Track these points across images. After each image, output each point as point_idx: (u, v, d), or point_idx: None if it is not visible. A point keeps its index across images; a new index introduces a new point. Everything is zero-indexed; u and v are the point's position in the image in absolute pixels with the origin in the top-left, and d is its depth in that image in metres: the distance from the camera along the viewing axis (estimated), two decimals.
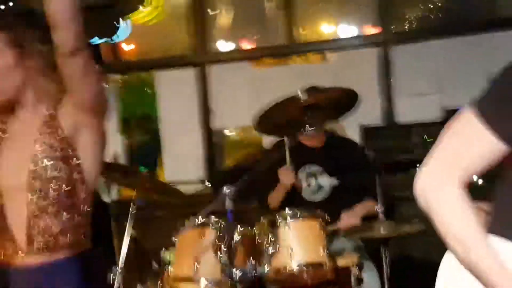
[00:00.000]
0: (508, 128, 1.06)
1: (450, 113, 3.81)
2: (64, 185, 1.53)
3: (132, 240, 2.45)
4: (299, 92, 2.33)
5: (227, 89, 4.17)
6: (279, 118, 2.43)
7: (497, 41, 3.71)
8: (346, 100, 2.39)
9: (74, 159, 1.55)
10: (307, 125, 2.32)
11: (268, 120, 2.47)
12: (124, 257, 2.35)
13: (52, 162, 1.52)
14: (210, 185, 3.82)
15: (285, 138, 2.70)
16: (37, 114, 1.58)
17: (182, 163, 4.18)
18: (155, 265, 2.48)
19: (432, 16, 4.01)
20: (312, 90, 2.35)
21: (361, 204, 2.85)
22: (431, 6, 4.03)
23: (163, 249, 2.60)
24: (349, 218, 2.76)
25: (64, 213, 1.53)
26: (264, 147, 4.12)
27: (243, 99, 4.14)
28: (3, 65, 1.54)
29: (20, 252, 1.54)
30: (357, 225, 2.71)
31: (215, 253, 2.26)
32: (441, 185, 1.12)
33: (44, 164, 1.51)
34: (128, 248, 2.39)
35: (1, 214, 1.55)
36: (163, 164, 4.29)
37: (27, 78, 1.57)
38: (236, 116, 4.20)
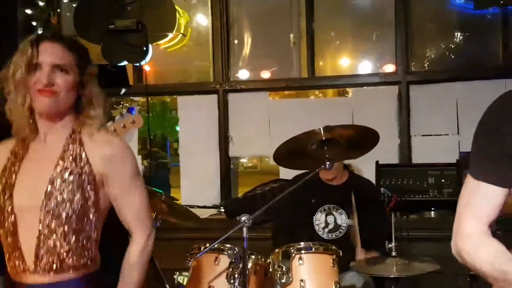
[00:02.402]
0: (492, 174, 1.25)
1: (467, 156, 3.84)
2: (76, 209, 1.57)
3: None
4: (320, 128, 2.38)
5: (245, 118, 4.25)
6: (298, 151, 2.47)
7: None
8: (366, 138, 2.44)
9: (92, 185, 1.61)
10: (326, 160, 2.35)
11: (287, 153, 2.51)
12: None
13: (68, 185, 1.58)
14: (224, 211, 3.86)
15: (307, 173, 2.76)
16: (61, 137, 1.64)
17: (198, 187, 4.24)
18: (167, 287, 2.51)
19: (452, 58, 4.07)
20: (332, 126, 2.39)
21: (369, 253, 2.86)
22: (451, 48, 4.10)
23: (177, 272, 2.63)
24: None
25: (73, 235, 1.58)
26: (279, 177, 4.17)
27: (259, 129, 4.21)
28: (72, 80, 1.61)
29: (28, 270, 1.57)
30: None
31: (228, 279, 2.29)
32: (476, 246, 1.30)
33: (60, 187, 1.57)
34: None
35: (13, 232, 1.58)
36: (180, 187, 4.35)
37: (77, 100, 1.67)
38: (252, 145, 4.27)
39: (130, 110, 2.85)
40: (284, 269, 2.29)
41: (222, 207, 3.94)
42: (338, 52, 4.39)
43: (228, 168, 4.30)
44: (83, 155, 1.61)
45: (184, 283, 2.54)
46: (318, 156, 2.37)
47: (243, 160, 4.85)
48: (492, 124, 1.28)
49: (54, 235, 1.56)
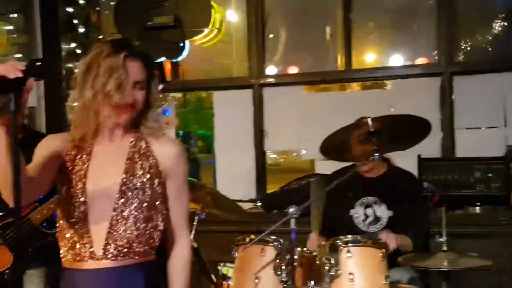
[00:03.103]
0: None
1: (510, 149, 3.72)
2: (147, 197, 1.65)
3: (194, 250, 2.47)
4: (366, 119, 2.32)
5: (280, 112, 4.21)
6: (344, 143, 2.42)
7: None
8: (415, 129, 2.37)
9: (159, 178, 1.68)
10: (373, 152, 2.30)
11: (333, 145, 2.46)
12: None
13: (140, 177, 1.65)
14: (261, 205, 3.83)
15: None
16: (127, 136, 1.71)
17: (234, 182, 4.22)
18: (214, 278, 2.50)
19: (497, 47, 3.94)
20: (378, 117, 2.33)
21: (403, 236, 2.78)
22: (497, 37, 3.97)
23: (221, 263, 2.63)
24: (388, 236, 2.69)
25: (143, 223, 1.64)
26: (313, 172, 4.13)
27: (294, 123, 4.16)
28: (143, 79, 1.66)
29: (93, 256, 1.62)
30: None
31: (275, 271, 2.27)
32: None
33: (132, 176, 1.65)
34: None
35: (84, 218, 1.63)
36: (212, 184, 4.35)
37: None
38: (287, 140, 4.23)
39: (164, 111, 2.87)
40: (332, 262, 2.25)
41: (259, 201, 3.91)
42: (376, 43, 4.31)
43: (263, 162, 4.27)
44: (151, 151, 1.70)
45: (229, 274, 2.53)
46: (365, 147, 2.31)
47: (272, 156, 4.81)
48: None
49: (125, 222, 1.62)
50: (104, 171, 1.66)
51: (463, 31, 3.97)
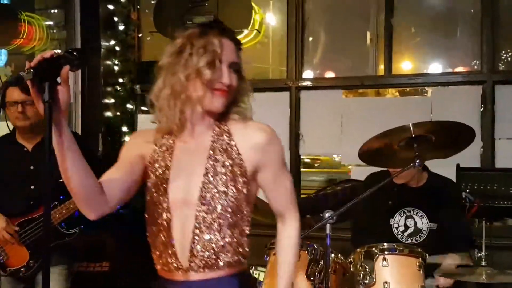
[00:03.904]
0: None
1: None
2: (231, 202, 1.50)
3: None
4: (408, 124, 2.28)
5: (317, 116, 4.18)
6: (385, 148, 2.38)
7: None
8: (458, 136, 2.31)
9: (243, 177, 1.53)
10: (415, 159, 2.25)
11: (374, 150, 2.42)
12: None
13: (222, 178, 1.51)
14: None
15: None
16: (209, 129, 1.56)
17: None
18: None
19: None
20: (422, 122, 2.28)
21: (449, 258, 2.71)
22: None
23: (252, 267, 2.61)
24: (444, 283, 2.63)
25: (228, 230, 1.50)
26: (350, 178, 4.08)
27: (331, 127, 4.13)
28: (238, 61, 1.54)
29: (181, 267, 1.50)
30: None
31: (308, 276, 2.25)
32: None
33: (214, 179, 1.51)
34: None
35: (167, 228, 1.51)
36: None
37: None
38: (323, 144, 4.19)
39: None
40: (367, 270, 2.22)
41: None
42: (417, 49, 4.24)
43: (298, 166, 4.25)
44: (234, 146, 1.54)
45: (261, 278, 2.52)
46: (407, 154, 2.27)
47: (306, 160, 4.77)
48: None
49: (209, 230, 1.49)
50: (184, 173, 1.53)
51: (507, 38, 3.86)
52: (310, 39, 4.34)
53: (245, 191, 1.53)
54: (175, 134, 1.56)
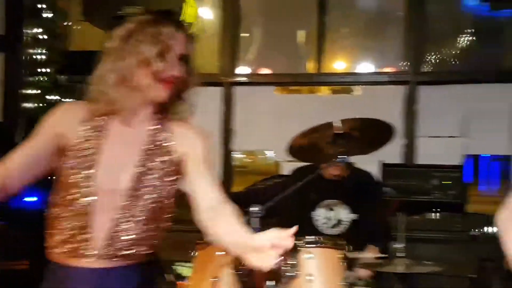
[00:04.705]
0: None
1: (470, 159, 3.85)
2: (157, 196, 1.49)
3: None
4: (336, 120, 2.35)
5: (249, 112, 4.22)
6: (312, 144, 2.44)
7: None
8: (380, 133, 2.41)
9: (175, 174, 1.52)
10: (338, 154, 2.33)
11: (301, 145, 2.48)
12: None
13: (155, 171, 1.49)
14: None
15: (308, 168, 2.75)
16: (147, 120, 1.54)
17: None
18: (171, 278, 2.47)
19: (462, 59, 4.06)
20: (347, 119, 2.37)
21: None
22: (463, 49, 4.09)
23: (176, 263, 2.60)
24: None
25: (150, 223, 1.49)
26: (279, 173, 4.14)
27: (264, 123, 4.18)
28: (188, 54, 1.52)
29: (92, 254, 1.46)
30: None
31: (234, 271, 2.26)
32: (505, 219, 1.46)
33: (145, 172, 1.49)
34: None
35: (86, 213, 1.46)
36: None
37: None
38: (256, 139, 4.24)
39: None
40: (291, 263, 2.26)
41: None
42: (348, 49, 4.37)
43: (229, 162, 4.26)
44: (170, 142, 1.53)
45: (185, 274, 2.50)
46: (332, 149, 2.34)
47: (238, 156, 4.81)
48: None
49: (131, 220, 1.47)
50: (117, 160, 1.49)
51: (431, 42, 4.07)
52: (245, 35, 4.35)
53: (174, 187, 1.52)
54: (112, 118, 1.52)
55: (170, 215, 1.56)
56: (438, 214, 3.64)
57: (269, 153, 4.44)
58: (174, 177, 1.52)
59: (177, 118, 1.56)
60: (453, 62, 4.09)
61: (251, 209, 2.17)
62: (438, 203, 3.61)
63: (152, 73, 1.46)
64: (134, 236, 1.48)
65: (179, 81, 1.50)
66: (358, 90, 4.40)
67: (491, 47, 4.03)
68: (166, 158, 1.52)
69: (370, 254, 2.70)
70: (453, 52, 4.10)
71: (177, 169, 1.53)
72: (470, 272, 3.33)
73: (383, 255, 2.51)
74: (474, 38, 4.05)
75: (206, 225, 1.50)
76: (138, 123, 1.53)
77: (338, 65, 4.50)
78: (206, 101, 4.24)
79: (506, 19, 3.92)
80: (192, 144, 1.55)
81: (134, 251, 1.49)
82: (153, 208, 1.49)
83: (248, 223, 2.16)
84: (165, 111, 1.55)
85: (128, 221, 1.47)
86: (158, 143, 1.52)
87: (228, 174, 4.24)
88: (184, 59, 1.50)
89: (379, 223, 2.88)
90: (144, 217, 1.48)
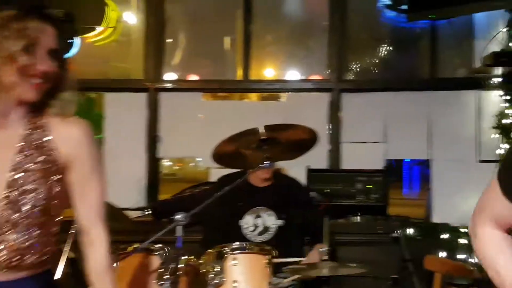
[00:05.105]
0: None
1: (392, 163, 4.01)
2: (40, 200, 1.41)
3: (71, 261, 2.32)
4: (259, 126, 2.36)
5: (176, 119, 4.16)
6: (237, 150, 2.43)
7: (437, 99, 3.98)
8: (305, 138, 2.44)
9: (56, 175, 1.44)
10: (264, 159, 2.33)
11: (226, 151, 2.46)
12: (60, 278, 2.22)
13: (32, 174, 1.40)
14: (151, 213, 3.72)
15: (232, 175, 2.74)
16: (23, 121, 1.45)
17: (123, 189, 4.06)
18: None
19: (382, 68, 4.23)
20: (271, 125, 2.38)
21: (315, 251, 2.83)
22: (382, 59, 4.26)
23: None
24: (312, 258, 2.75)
25: (36, 230, 1.41)
26: (208, 181, 4.10)
27: (191, 130, 4.13)
28: (57, 48, 1.43)
29: None
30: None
31: (158, 280, 2.20)
32: (476, 226, 1.36)
33: (23, 176, 1.40)
34: (65, 269, 2.26)
35: None
36: None
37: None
38: (183, 146, 4.18)
39: None
40: (217, 270, 2.23)
41: (149, 209, 3.79)
42: (275, 56, 4.42)
43: (156, 169, 4.17)
44: (48, 141, 1.44)
45: None
46: (258, 155, 2.34)
47: (167, 164, 4.73)
48: None
49: (15, 229, 1.38)
50: None
51: (353, 52, 4.20)
52: (170, 40, 4.29)
53: (57, 189, 1.44)
54: None
55: (59, 218, 1.48)
56: (362, 217, 3.74)
57: (199, 160, 4.38)
58: (57, 177, 1.44)
59: (56, 115, 1.47)
60: (374, 71, 4.25)
61: (175, 217, 2.12)
62: (362, 206, 3.72)
63: (18, 69, 1.37)
64: (20, 245, 1.39)
65: (50, 77, 1.41)
66: (285, 97, 4.46)
67: (409, 56, 4.23)
68: (45, 158, 1.43)
69: (317, 253, 2.70)
70: (374, 61, 4.26)
71: (59, 169, 1.45)
72: (392, 273, 3.44)
73: (328, 253, 2.52)
74: (392, 48, 4.23)
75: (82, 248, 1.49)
76: (11, 125, 1.44)
77: (265, 72, 4.54)
78: (132, 107, 4.17)
79: (422, 30, 4.12)
80: (76, 146, 1.47)
81: (24, 261, 1.41)
82: (37, 212, 1.41)
83: (172, 231, 2.12)
84: (41, 109, 1.47)
85: (12, 230, 1.39)
86: (35, 143, 1.43)
87: (155, 182, 4.15)
88: (55, 53, 1.42)
89: (320, 224, 2.89)
90: (28, 224, 1.40)
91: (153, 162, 4.14)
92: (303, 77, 4.31)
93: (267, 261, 2.30)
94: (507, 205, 1.28)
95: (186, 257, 2.31)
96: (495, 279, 1.27)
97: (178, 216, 2.08)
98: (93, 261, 1.50)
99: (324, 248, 2.55)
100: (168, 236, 2.17)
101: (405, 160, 4.68)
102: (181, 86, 4.21)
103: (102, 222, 1.52)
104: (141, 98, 4.14)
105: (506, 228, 1.33)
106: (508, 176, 1.29)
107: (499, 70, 3.75)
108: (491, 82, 3.80)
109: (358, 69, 4.24)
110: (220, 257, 2.26)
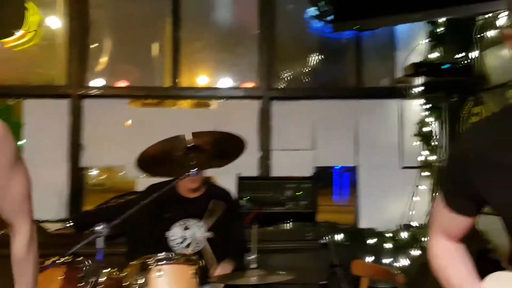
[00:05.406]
0: (459, 205, 1.31)
1: (320, 170, 4.08)
2: None
3: None
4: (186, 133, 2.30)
5: (101, 126, 4.01)
6: (163, 157, 2.36)
7: (363, 108, 4.10)
8: (232, 146, 2.41)
9: None
10: (190, 167, 2.28)
11: (152, 159, 2.38)
12: None
13: None
14: (73, 225, 3.55)
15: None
16: None
17: (43, 200, 3.84)
18: None
19: (311, 77, 4.30)
20: (199, 132, 2.33)
21: (225, 264, 2.80)
22: (310, 67, 4.32)
23: None
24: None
25: None
26: (135, 190, 3.98)
27: (117, 138, 4.00)
28: None
29: None
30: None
31: None
32: (431, 239, 1.42)
33: None
34: None
35: None
36: None
37: None
38: (108, 155, 4.03)
39: None
40: (141, 282, 2.15)
41: (70, 221, 3.61)
42: (202, 63, 4.37)
43: (79, 179, 3.99)
44: None
45: None
46: (184, 163, 2.28)
47: (93, 173, 4.55)
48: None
49: None
50: None
51: (283, 60, 4.24)
52: (94, 45, 4.14)
53: None
54: None
55: None
56: (291, 224, 3.76)
57: (127, 170, 4.23)
58: None
59: None
60: (303, 79, 4.31)
61: (95, 228, 2.01)
62: (291, 213, 3.74)
63: None
64: None
65: None
66: (215, 104, 4.42)
67: (336, 66, 4.34)
68: None
69: (223, 270, 2.67)
70: (303, 70, 4.32)
71: None
72: (321, 279, 3.48)
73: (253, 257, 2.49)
74: (320, 57, 4.31)
75: None
76: None
77: (197, 79, 4.48)
78: (52, 114, 3.97)
79: (348, 40, 4.23)
80: None
81: None
82: None
83: (92, 243, 2.02)
84: None
85: None
86: None
87: (78, 192, 3.96)
88: None
89: (235, 239, 2.88)
90: None
91: (76, 171, 3.96)
92: (235, 85, 4.30)
93: (194, 271, 2.24)
94: (454, 217, 1.32)
95: (108, 270, 2.22)
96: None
97: (98, 228, 1.98)
98: (14, 250, 1.52)
99: (252, 256, 2.52)
100: (91, 249, 2.07)
101: (335, 167, 4.76)
102: (106, 93, 4.07)
103: (24, 214, 1.53)
104: (63, 105, 3.97)
105: (458, 238, 1.37)
106: (447, 188, 1.34)
107: (419, 80, 3.91)
108: (412, 91, 3.97)
109: (287, 78, 4.29)
110: (144, 269, 2.18)
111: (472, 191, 1.24)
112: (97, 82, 4.17)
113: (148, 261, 2.20)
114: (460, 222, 1.33)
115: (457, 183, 1.28)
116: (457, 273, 1.32)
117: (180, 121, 4.03)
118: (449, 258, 1.36)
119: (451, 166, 1.33)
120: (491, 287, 1.25)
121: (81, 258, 2.21)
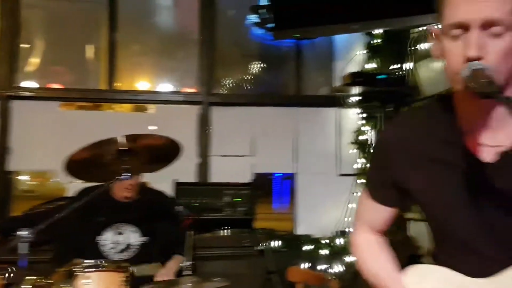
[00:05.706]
0: (381, 195, 1.36)
1: (260, 178, 4.09)
2: None
3: None
4: (118, 136, 2.23)
5: (30, 129, 3.84)
6: (94, 161, 2.27)
7: (302, 115, 4.15)
8: (167, 150, 2.36)
9: None
10: (123, 171, 2.20)
11: (81, 162, 2.28)
12: None
13: None
14: None
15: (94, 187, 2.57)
16: None
17: None
18: None
19: (251, 83, 4.30)
20: (132, 135, 2.26)
21: (173, 260, 2.77)
22: (251, 74, 4.33)
23: None
24: (162, 276, 2.65)
25: None
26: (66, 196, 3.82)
27: (46, 142, 3.84)
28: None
29: None
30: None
31: None
32: (353, 232, 1.46)
33: None
34: None
35: None
36: None
37: None
38: (37, 159, 3.85)
39: None
40: None
41: None
42: (141, 67, 4.28)
43: (6, 184, 3.78)
44: None
45: None
46: (117, 167, 2.20)
47: (23, 178, 4.35)
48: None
49: None
50: None
51: (224, 66, 4.23)
52: (25, 45, 3.96)
53: None
54: None
55: None
56: (228, 230, 3.73)
57: (61, 175, 4.05)
58: None
59: None
60: (243, 86, 4.31)
61: (18, 233, 1.90)
62: (228, 220, 3.71)
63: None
64: None
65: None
66: (153, 108, 4.33)
67: (277, 73, 4.37)
68: None
69: (174, 263, 2.61)
70: (244, 77, 4.33)
71: None
72: (256, 286, 3.47)
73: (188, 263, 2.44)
74: (261, 64, 4.33)
75: None
76: None
77: (134, 83, 4.38)
78: None
79: (288, 49, 4.28)
80: None
81: None
82: None
83: (15, 248, 1.91)
84: None
85: None
86: None
87: (6, 198, 3.75)
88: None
89: (176, 235, 2.81)
90: None
91: (3, 175, 3.75)
92: (175, 89, 4.23)
93: (124, 278, 2.16)
94: (376, 207, 1.37)
95: (33, 277, 2.10)
96: (372, 281, 1.35)
97: (21, 233, 1.87)
98: None
99: (187, 263, 2.47)
100: (16, 256, 1.96)
101: (276, 174, 4.79)
102: (37, 94, 3.89)
103: None
104: None
105: (381, 231, 1.42)
106: (371, 179, 1.39)
107: (356, 90, 4.01)
108: (350, 100, 4.06)
109: (228, 84, 4.27)
110: (71, 276, 2.08)
111: (393, 178, 1.29)
112: (28, 84, 3.98)
113: (75, 268, 2.10)
114: (383, 213, 1.38)
115: (380, 172, 1.33)
116: (377, 265, 1.36)
117: (117, 125, 3.92)
118: (370, 250, 1.39)
119: (374, 155, 1.39)
120: (411, 279, 1.29)
121: (5, 265, 2.07)
